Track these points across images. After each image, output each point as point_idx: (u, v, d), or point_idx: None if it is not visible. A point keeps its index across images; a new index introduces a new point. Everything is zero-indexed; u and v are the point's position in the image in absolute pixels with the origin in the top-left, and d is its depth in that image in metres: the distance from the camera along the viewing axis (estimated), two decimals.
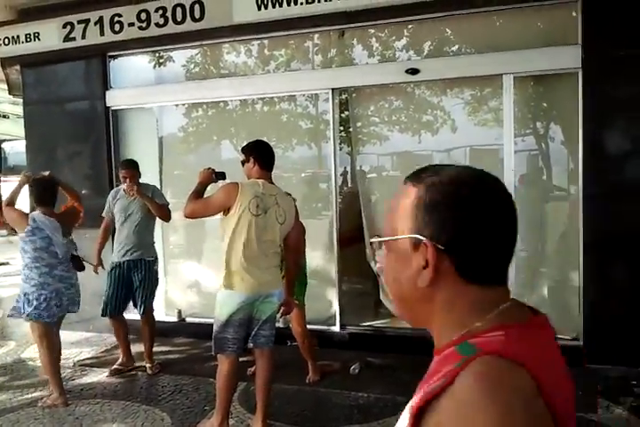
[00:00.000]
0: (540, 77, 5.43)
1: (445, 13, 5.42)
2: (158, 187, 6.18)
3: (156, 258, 5.62)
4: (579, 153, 5.15)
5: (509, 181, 5.33)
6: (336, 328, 6.10)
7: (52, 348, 4.84)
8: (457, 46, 5.66)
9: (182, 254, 7.13)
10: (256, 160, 4.02)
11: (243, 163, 4.10)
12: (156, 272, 5.62)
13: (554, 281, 5.70)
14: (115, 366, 5.56)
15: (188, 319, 6.80)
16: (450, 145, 6.01)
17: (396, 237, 1.02)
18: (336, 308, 6.10)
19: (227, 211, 3.85)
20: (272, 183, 4.04)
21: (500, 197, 1.01)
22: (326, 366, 5.39)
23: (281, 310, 4.14)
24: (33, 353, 6.25)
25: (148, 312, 5.56)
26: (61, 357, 5.11)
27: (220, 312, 3.91)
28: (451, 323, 0.99)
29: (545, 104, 5.69)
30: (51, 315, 4.75)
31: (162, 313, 6.86)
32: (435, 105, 5.96)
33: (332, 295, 6.13)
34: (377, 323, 6.21)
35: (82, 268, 4.96)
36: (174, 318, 6.80)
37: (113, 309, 5.45)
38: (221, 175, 4.18)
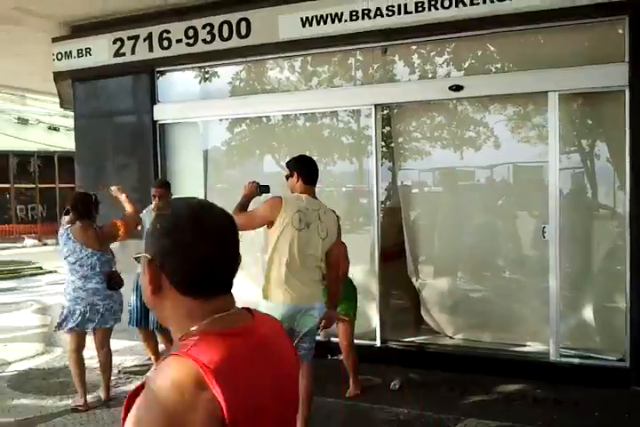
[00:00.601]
0: (586, 95, 5.36)
1: (489, 31, 5.40)
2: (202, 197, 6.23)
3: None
4: (625, 171, 5.05)
5: (554, 197, 5.27)
6: (377, 343, 6.07)
7: (79, 364, 5.02)
8: (501, 63, 5.63)
9: None
10: (300, 175, 4.02)
11: (287, 177, 4.11)
12: None
13: (599, 301, 5.57)
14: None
15: None
16: (493, 161, 5.97)
17: (136, 255, 1.27)
18: (377, 323, 6.06)
19: (270, 224, 3.87)
20: (316, 198, 4.04)
21: (205, 226, 1.22)
22: (367, 381, 5.36)
23: (322, 324, 4.13)
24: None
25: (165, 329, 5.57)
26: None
27: None
28: (176, 326, 1.24)
29: (590, 122, 5.61)
30: (84, 327, 4.91)
31: None
32: (478, 121, 5.94)
33: (374, 310, 6.10)
34: (418, 339, 6.16)
35: (111, 286, 4.91)
36: None
37: (136, 320, 5.55)
38: (266, 189, 4.19)
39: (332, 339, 5.88)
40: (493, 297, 6.03)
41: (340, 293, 4.36)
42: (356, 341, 5.68)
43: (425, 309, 6.21)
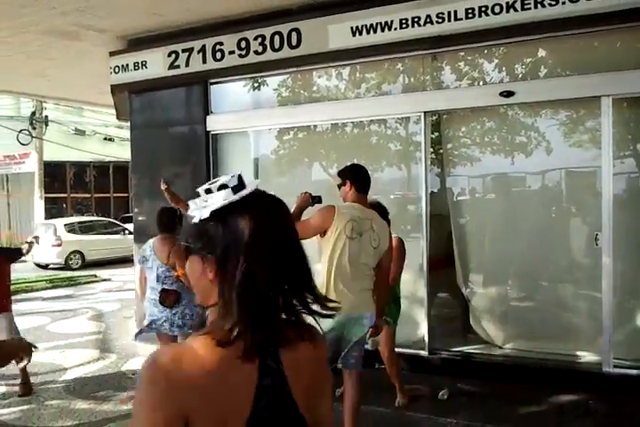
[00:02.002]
0: None
1: (539, 36, 5.36)
2: None
3: None
4: None
5: (607, 204, 5.19)
6: (425, 352, 6.04)
7: None
8: (552, 68, 5.58)
9: None
10: (352, 184, 4.07)
11: (339, 186, 4.17)
12: None
13: None
14: None
15: None
16: (544, 167, 5.93)
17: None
18: (425, 332, 6.05)
19: (323, 233, 3.91)
20: (368, 207, 4.08)
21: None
22: (415, 391, 5.35)
23: (369, 332, 4.13)
24: (132, 366, 6.56)
25: None
26: None
27: None
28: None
29: None
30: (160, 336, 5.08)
31: None
32: (528, 126, 5.91)
33: (422, 319, 6.09)
34: (467, 348, 6.11)
35: (163, 302, 4.93)
36: None
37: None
38: (318, 199, 4.24)
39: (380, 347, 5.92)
40: (544, 306, 5.94)
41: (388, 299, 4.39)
42: (403, 350, 5.70)
43: (474, 318, 6.16)
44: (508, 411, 4.94)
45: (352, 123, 6.55)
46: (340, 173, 4.22)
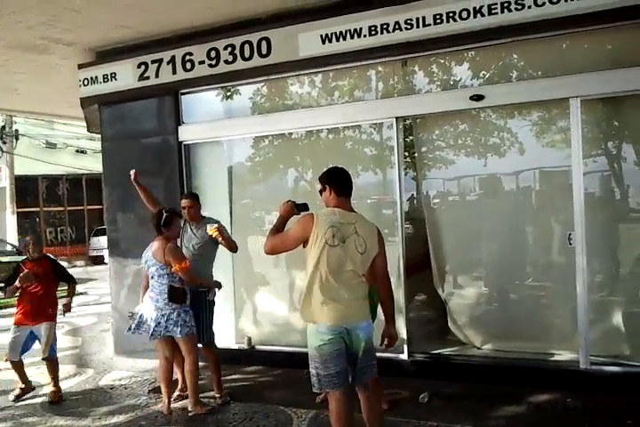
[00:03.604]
0: (610, 99, 5.35)
1: (507, 40, 5.44)
2: (228, 217, 6.44)
3: (209, 290, 5.55)
4: None
5: (579, 203, 5.27)
6: (404, 356, 6.05)
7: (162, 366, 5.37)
8: (521, 71, 5.65)
9: (252, 282, 7.25)
10: (332, 188, 3.91)
11: (320, 192, 4.01)
12: (212, 303, 5.60)
13: (629, 307, 5.53)
14: (176, 393, 5.72)
15: (258, 347, 6.90)
16: (517, 168, 5.98)
17: None
18: (404, 335, 6.04)
19: (305, 243, 3.77)
20: (352, 210, 3.92)
21: None
22: (395, 395, 5.35)
23: (385, 343, 3.96)
24: (110, 381, 6.49)
25: (208, 344, 5.61)
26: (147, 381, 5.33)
27: (310, 346, 3.77)
28: None
29: (616, 124, 5.61)
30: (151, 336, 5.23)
31: (232, 341, 7.02)
32: (500, 128, 5.96)
33: (400, 323, 6.05)
34: (445, 351, 6.14)
35: (173, 300, 5.16)
36: (244, 346, 6.90)
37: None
38: (303, 207, 4.06)
39: None
40: (521, 306, 6.00)
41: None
42: (382, 354, 5.63)
43: (452, 320, 6.20)
44: (489, 412, 4.97)
45: (326, 129, 6.57)
46: (320, 178, 4.05)
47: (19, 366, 6.06)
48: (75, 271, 20.34)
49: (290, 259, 7.03)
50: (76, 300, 12.74)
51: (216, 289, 5.58)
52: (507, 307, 6.14)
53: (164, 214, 5.22)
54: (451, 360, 6.00)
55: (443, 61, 5.94)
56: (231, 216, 7.05)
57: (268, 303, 7.08)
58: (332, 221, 3.74)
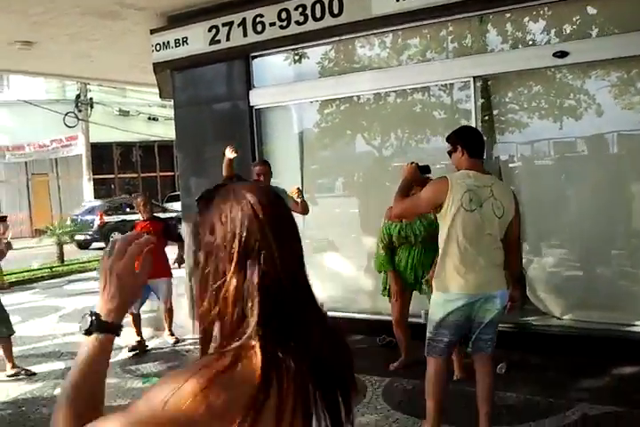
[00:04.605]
0: None
1: None
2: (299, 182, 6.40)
3: None
4: None
5: None
6: None
7: None
8: (605, 26, 5.28)
9: (323, 247, 7.21)
10: (464, 148, 3.63)
11: (449, 153, 3.76)
12: None
13: None
14: None
15: (330, 313, 6.83)
16: (598, 130, 5.66)
17: None
18: None
19: (438, 208, 3.56)
20: (486, 172, 3.68)
21: None
22: (470, 364, 5.23)
23: (508, 307, 3.75)
24: (187, 345, 6.65)
25: None
26: None
27: (434, 313, 3.64)
28: None
29: None
30: None
31: None
32: (579, 89, 5.64)
33: None
34: (523, 320, 5.96)
35: None
36: None
37: None
38: (426, 169, 3.89)
39: None
40: (603, 275, 5.75)
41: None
42: None
43: (531, 288, 5.98)
44: (569, 384, 4.81)
45: (395, 92, 6.38)
46: (449, 139, 3.79)
47: (137, 319, 6.48)
48: None
49: (362, 224, 6.96)
50: None
51: None
52: (587, 276, 5.87)
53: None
54: (529, 330, 5.82)
55: (522, 17, 5.61)
56: (302, 181, 6.99)
57: (340, 269, 7.04)
58: (468, 184, 3.50)
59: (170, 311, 6.76)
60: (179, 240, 6.76)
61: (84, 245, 17.42)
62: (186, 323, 7.19)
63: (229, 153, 5.44)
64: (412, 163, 3.89)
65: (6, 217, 7.74)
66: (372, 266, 6.55)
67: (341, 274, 7.03)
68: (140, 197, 6.81)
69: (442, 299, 3.60)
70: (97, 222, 17.23)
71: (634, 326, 5.43)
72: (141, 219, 6.63)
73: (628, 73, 5.39)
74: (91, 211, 17.98)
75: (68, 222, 16.84)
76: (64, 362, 6.13)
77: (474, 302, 3.55)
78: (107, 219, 17.42)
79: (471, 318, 3.61)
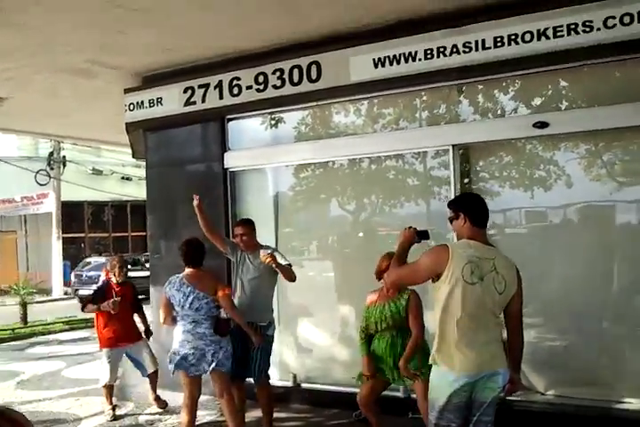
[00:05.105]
0: None
1: (576, 63, 5.11)
2: (274, 245, 6.21)
3: (270, 323, 5.35)
4: None
5: None
6: None
7: (187, 412, 5.03)
8: (587, 98, 5.30)
9: (298, 315, 6.94)
10: (467, 215, 3.45)
11: (450, 220, 3.58)
12: (271, 338, 5.36)
13: None
14: None
15: (304, 385, 6.55)
16: (587, 199, 5.58)
17: None
18: None
19: (436, 278, 3.37)
20: (488, 243, 3.49)
21: None
22: None
23: (506, 389, 3.48)
24: (150, 416, 6.22)
25: (262, 383, 5.32)
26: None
27: (436, 397, 3.38)
28: None
29: None
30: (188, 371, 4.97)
31: (276, 377, 6.68)
32: (560, 158, 5.57)
33: None
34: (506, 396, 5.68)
35: (223, 333, 4.95)
36: (289, 383, 6.56)
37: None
38: (424, 235, 3.68)
39: (413, 395, 5.51)
40: (589, 349, 5.52)
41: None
42: None
43: None
44: None
45: (369, 158, 6.33)
46: (452, 205, 3.63)
47: (111, 389, 6.28)
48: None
49: (337, 289, 6.74)
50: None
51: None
52: (574, 350, 5.64)
53: (200, 245, 5.11)
54: (512, 406, 5.52)
55: (503, 86, 5.62)
56: (277, 245, 6.78)
57: (315, 338, 6.75)
58: (469, 255, 3.31)
59: (156, 373, 6.42)
60: (140, 308, 6.54)
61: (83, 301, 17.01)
62: (147, 393, 6.80)
63: (195, 201, 5.44)
64: (409, 227, 3.69)
65: None
66: (348, 333, 6.35)
67: (316, 343, 6.74)
68: (116, 258, 6.56)
69: (442, 380, 3.34)
70: (102, 278, 16.93)
71: (622, 402, 5.20)
72: (114, 281, 6.33)
73: (606, 145, 5.35)
74: (96, 268, 18.13)
75: (73, 279, 19.01)
76: None
77: (476, 381, 3.30)
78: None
79: (472, 399, 3.34)
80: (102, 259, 18.71)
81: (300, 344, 6.85)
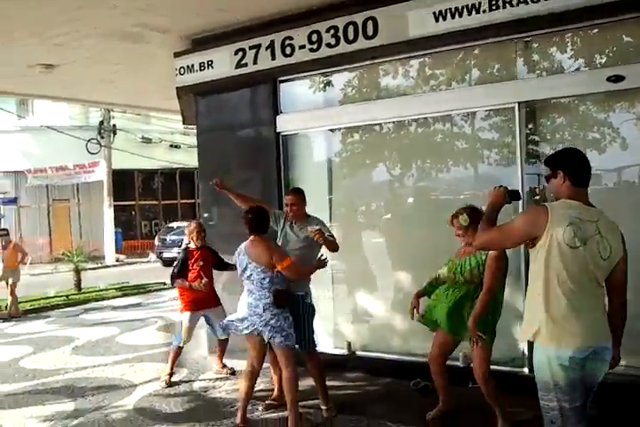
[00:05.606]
0: None
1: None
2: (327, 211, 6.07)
3: (307, 293, 5.21)
4: None
5: None
6: (526, 370, 5.43)
7: (247, 379, 4.98)
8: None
9: (353, 282, 6.79)
10: (567, 174, 3.13)
11: (547, 178, 3.27)
12: (311, 307, 5.23)
13: None
14: (268, 401, 5.36)
15: (359, 353, 6.44)
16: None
17: None
18: (524, 346, 5.41)
19: (532, 242, 3.08)
20: (590, 204, 3.17)
21: None
22: (517, 415, 4.72)
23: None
24: (204, 383, 6.21)
25: (311, 351, 5.20)
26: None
27: (541, 374, 3.10)
28: None
29: None
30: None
31: (330, 345, 6.60)
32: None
33: (519, 332, 5.46)
34: None
35: (280, 304, 4.77)
36: (344, 351, 6.46)
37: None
38: (516, 195, 3.41)
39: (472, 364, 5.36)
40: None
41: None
42: (499, 367, 5.12)
43: None
44: None
45: (440, 117, 5.99)
46: (549, 162, 3.29)
47: (179, 353, 6.33)
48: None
49: (393, 255, 6.55)
50: (169, 293, 12.97)
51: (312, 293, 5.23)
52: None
53: (261, 213, 4.91)
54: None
55: (572, 39, 5.24)
56: (330, 211, 6.63)
57: (370, 305, 6.60)
58: (572, 216, 3.01)
59: (226, 342, 6.43)
60: (229, 268, 6.20)
61: (167, 264, 18.37)
62: (202, 360, 6.81)
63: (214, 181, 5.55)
64: (499, 186, 3.41)
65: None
66: (403, 300, 6.17)
67: (372, 311, 6.60)
68: (194, 224, 6.46)
69: (551, 357, 3.05)
70: (185, 241, 17.50)
71: None
72: (194, 247, 6.34)
73: None
74: (179, 233, 18.92)
75: (157, 243, 20.40)
76: (74, 402, 5.72)
77: (586, 356, 3.02)
78: None
79: (583, 378, 3.06)
80: (184, 223, 19.24)
81: (355, 312, 6.73)
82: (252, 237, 4.85)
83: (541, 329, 3.05)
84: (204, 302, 6.25)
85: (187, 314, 6.26)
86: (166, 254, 19.31)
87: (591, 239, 2.99)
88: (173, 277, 6.33)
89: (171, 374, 6.24)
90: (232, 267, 5.84)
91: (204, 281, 6.08)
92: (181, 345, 6.27)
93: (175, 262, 6.46)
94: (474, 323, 4.39)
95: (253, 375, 4.96)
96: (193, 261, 6.23)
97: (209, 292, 6.26)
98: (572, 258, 2.97)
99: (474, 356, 4.55)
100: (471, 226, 4.41)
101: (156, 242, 20.80)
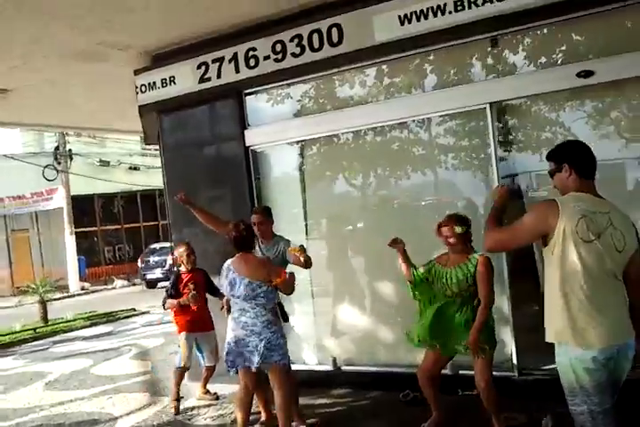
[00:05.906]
0: None
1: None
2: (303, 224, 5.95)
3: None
4: None
5: None
6: (514, 374, 5.37)
7: (242, 407, 4.76)
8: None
9: (333, 295, 6.66)
10: (573, 166, 3.05)
11: (551, 173, 3.17)
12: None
13: None
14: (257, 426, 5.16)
15: (344, 368, 6.28)
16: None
17: None
18: (512, 349, 5.38)
19: (545, 239, 2.97)
20: (599, 196, 3.08)
21: None
22: (510, 419, 4.64)
23: None
24: (188, 411, 5.96)
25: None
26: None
27: (566, 378, 2.98)
28: None
29: None
30: (232, 365, 4.70)
31: (314, 361, 6.47)
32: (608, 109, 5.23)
33: (507, 335, 5.41)
34: None
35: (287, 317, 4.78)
36: (329, 367, 6.30)
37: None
38: (518, 193, 3.46)
39: (461, 371, 5.30)
40: None
41: None
42: None
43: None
44: None
45: (412, 121, 5.95)
46: (552, 156, 3.18)
47: (183, 374, 6.14)
48: (135, 289, 20.48)
49: (372, 266, 6.42)
50: (139, 320, 12.62)
51: None
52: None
53: (248, 230, 4.75)
54: None
55: (539, 36, 5.24)
56: (306, 225, 6.50)
57: (352, 318, 6.46)
58: (583, 209, 2.92)
59: (213, 369, 6.19)
60: (217, 294, 6.04)
61: (150, 285, 19.65)
62: (182, 386, 6.57)
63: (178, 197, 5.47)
64: (502, 186, 3.38)
65: None
66: (385, 311, 6.06)
67: (354, 324, 6.45)
68: (183, 246, 6.19)
69: (575, 359, 2.94)
70: (169, 262, 17.93)
71: None
72: (184, 270, 6.13)
73: None
74: (161, 253, 19.69)
75: (140, 264, 20.34)
76: None
77: (611, 355, 2.91)
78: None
79: (612, 377, 2.94)
80: (166, 244, 19.31)
81: (337, 326, 6.58)
82: (239, 254, 4.68)
83: (562, 330, 2.94)
84: (199, 325, 6.06)
85: (183, 335, 6.05)
86: (150, 276, 19.64)
87: (605, 232, 2.91)
88: (164, 300, 6.14)
89: (178, 400, 6.01)
90: (219, 294, 5.78)
91: (192, 293, 5.86)
92: (182, 366, 6.05)
93: (166, 287, 6.26)
94: (476, 340, 4.34)
95: (250, 398, 4.79)
96: (182, 285, 6.02)
97: (203, 315, 6.06)
98: (588, 252, 2.88)
99: (476, 364, 4.47)
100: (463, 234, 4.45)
101: (139, 264, 20.72)
